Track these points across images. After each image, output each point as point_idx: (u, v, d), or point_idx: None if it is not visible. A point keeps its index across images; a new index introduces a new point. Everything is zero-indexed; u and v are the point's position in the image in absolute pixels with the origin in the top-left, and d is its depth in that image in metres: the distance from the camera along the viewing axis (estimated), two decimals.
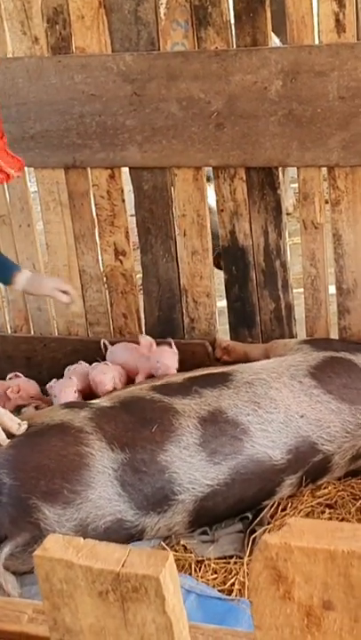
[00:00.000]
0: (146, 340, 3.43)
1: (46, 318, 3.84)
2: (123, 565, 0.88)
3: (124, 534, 2.70)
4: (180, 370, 3.39)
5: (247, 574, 2.63)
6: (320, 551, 0.81)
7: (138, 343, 3.48)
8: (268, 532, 2.81)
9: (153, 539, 2.77)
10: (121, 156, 3.45)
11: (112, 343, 3.62)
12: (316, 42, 3.18)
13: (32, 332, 3.87)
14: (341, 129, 3.17)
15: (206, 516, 2.81)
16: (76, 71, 3.39)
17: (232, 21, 3.24)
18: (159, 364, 3.33)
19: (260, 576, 0.88)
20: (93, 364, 3.51)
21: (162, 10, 3.27)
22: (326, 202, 3.36)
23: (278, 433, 2.86)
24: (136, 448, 2.76)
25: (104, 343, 3.61)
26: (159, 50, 3.31)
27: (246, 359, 3.40)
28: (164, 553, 0.89)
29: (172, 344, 3.42)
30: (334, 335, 3.50)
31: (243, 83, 3.23)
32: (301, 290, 3.51)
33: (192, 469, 2.77)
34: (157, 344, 3.43)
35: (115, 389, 3.32)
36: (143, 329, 3.73)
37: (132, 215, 3.66)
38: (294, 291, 3.56)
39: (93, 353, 3.64)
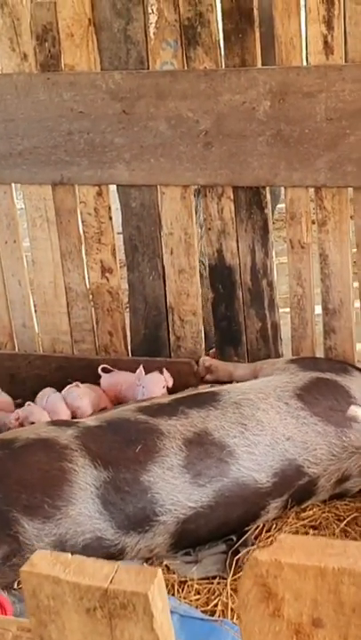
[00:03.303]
0: (140, 370, 3.42)
1: (31, 335, 3.82)
2: (111, 582, 0.87)
3: (102, 553, 2.67)
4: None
5: (230, 595, 2.62)
6: (310, 568, 0.80)
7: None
8: (252, 552, 2.81)
9: (134, 559, 2.75)
10: (109, 174, 3.45)
11: (99, 362, 3.61)
12: (305, 63, 3.20)
13: (16, 349, 3.85)
14: (329, 150, 3.19)
15: (189, 539, 2.78)
16: (65, 89, 3.39)
17: (221, 42, 3.26)
18: (144, 388, 3.32)
19: (250, 593, 0.87)
20: (67, 387, 3.48)
21: (151, 29, 3.28)
22: (313, 222, 3.37)
23: (264, 456, 2.84)
24: (119, 467, 2.74)
25: (102, 368, 3.58)
26: (148, 69, 3.32)
27: (231, 378, 3.40)
28: (153, 569, 0.88)
29: (164, 371, 3.41)
30: (320, 355, 3.50)
31: (231, 102, 3.24)
32: (288, 309, 3.52)
33: (175, 491, 2.74)
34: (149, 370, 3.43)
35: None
36: (129, 347, 3.72)
37: (119, 233, 3.65)
38: (280, 310, 3.56)
39: (78, 370, 3.62)
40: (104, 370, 3.53)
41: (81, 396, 3.39)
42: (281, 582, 0.83)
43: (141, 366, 3.43)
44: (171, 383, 3.41)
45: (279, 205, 5.18)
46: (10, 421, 3.33)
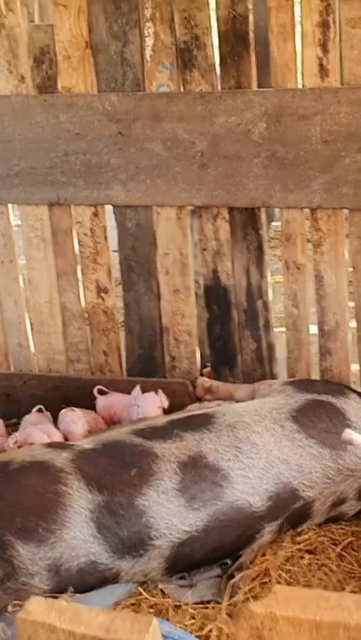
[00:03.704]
0: (137, 389, 3.42)
1: (27, 355, 3.82)
2: (107, 631, 0.86)
3: (97, 577, 2.67)
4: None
5: (225, 620, 2.61)
6: (305, 621, 0.80)
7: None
8: (247, 577, 2.82)
9: (128, 583, 2.74)
10: (105, 194, 3.46)
11: (94, 381, 3.61)
12: (300, 86, 3.21)
13: (12, 369, 3.85)
14: (324, 172, 3.20)
15: (183, 563, 2.77)
16: (62, 110, 3.40)
17: (217, 64, 3.28)
18: (139, 407, 3.32)
19: None
20: (62, 411, 3.47)
21: (148, 52, 3.29)
22: (308, 240, 3.38)
23: (259, 479, 2.84)
24: (114, 491, 2.74)
25: (98, 390, 3.57)
26: (144, 91, 3.33)
27: (231, 399, 3.40)
28: (148, 618, 0.88)
29: (160, 392, 3.41)
30: (316, 376, 3.50)
31: (227, 124, 3.25)
32: (283, 329, 3.52)
33: (170, 514, 2.73)
34: (145, 390, 3.43)
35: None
36: (124, 367, 3.72)
37: (114, 251, 3.66)
38: (275, 329, 3.56)
39: (74, 390, 3.63)
40: (100, 392, 3.53)
41: (74, 420, 3.38)
42: (276, 635, 0.82)
43: (138, 386, 3.42)
44: (166, 405, 3.41)
45: (274, 223, 5.22)
46: (8, 446, 3.32)
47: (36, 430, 3.36)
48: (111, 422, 3.47)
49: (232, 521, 2.80)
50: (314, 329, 3.47)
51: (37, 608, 0.90)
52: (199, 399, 3.54)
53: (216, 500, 2.78)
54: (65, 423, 3.39)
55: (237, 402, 3.37)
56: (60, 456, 2.83)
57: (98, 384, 3.62)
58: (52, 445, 2.97)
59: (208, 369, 3.66)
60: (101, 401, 3.49)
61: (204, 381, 3.57)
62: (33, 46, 3.41)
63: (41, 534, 2.63)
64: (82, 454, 2.85)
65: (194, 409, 3.37)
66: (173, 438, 2.90)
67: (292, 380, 3.41)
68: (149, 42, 3.28)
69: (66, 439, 3.35)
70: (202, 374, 3.63)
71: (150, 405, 3.36)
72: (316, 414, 3.04)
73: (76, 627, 0.87)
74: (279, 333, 3.60)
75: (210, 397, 3.51)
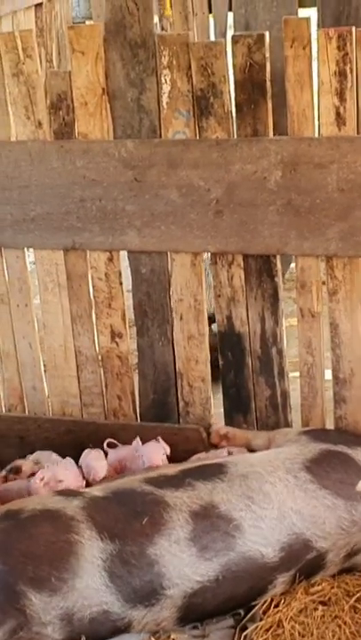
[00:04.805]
0: (136, 441, 3.41)
1: (41, 398, 3.82)
2: None
3: (109, 626, 2.66)
4: (172, 455, 3.38)
5: None
6: None
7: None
8: (260, 628, 2.79)
9: (141, 632, 2.73)
10: (120, 240, 3.46)
11: (107, 426, 3.61)
12: (317, 134, 3.22)
13: (26, 412, 3.85)
14: (340, 220, 3.20)
15: (195, 613, 2.76)
16: (78, 156, 3.42)
17: (233, 111, 3.29)
18: (144, 457, 3.32)
19: None
20: (86, 450, 3.47)
21: (164, 99, 3.30)
22: (323, 282, 3.37)
23: (271, 530, 2.82)
24: (126, 540, 2.74)
25: (108, 443, 3.55)
26: (160, 137, 3.34)
27: (248, 447, 3.38)
28: None
29: (160, 440, 3.40)
30: (330, 424, 3.48)
31: (242, 172, 3.25)
32: (297, 374, 3.51)
33: (182, 564, 2.73)
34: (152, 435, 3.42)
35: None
36: (138, 411, 3.71)
37: (128, 291, 3.66)
38: (290, 375, 3.55)
39: (87, 434, 3.62)
40: (109, 445, 3.51)
41: (98, 458, 3.39)
42: None
43: (137, 437, 3.42)
44: (168, 451, 3.39)
45: (292, 265, 5.21)
46: (35, 482, 3.29)
47: (60, 467, 3.37)
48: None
49: (244, 572, 2.79)
50: (328, 374, 3.46)
51: None
52: (214, 446, 3.52)
53: (228, 551, 2.78)
54: (88, 459, 3.39)
55: (254, 449, 3.36)
56: (72, 504, 2.83)
57: (111, 428, 3.61)
58: (62, 493, 2.96)
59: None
60: (112, 455, 3.48)
61: (220, 428, 3.55)
62: (50, 92, 3.43)
63: (53, 583, 2.63)
64: (93, 502, 2.85)
65: (202, 458, 3.35)
66: (185, 487, 2.90)
67: (307, 429, 3.39)
68: (166, 89, 3.30)
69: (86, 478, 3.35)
70: None
71: (155, 454, 3.35)
72: (331, 465, 3.03)
73: None
74: (293, 378, 3.59)
75: (226, 444, 3.49)
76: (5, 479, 3.51)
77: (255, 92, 3.21)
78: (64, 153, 3.43)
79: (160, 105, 3.32)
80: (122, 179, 3.38)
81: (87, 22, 6.81)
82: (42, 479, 3.29)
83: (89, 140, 3.41)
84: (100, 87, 3.36)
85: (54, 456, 3.55)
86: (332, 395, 3.45)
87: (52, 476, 3.31)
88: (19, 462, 3.56)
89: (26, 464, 3.56)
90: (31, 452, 3.70)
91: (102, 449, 3.48)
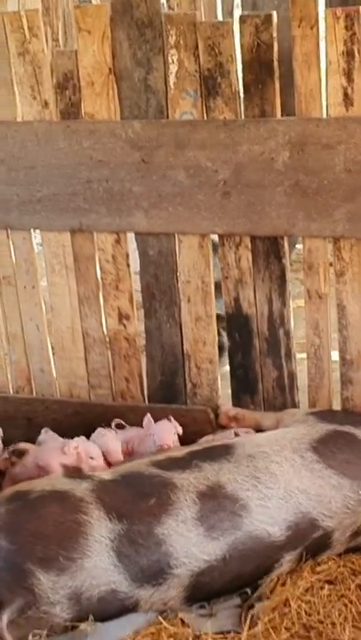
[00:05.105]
0: (148, 419, 3.41)
1: (49, 380, 3.82)
2: None
3: (117, 605, 2.68)
4: (181, 436, 3.40)
5: None
6: None
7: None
8: (267, 607, 2.81)
9: (148, 612, 2.74)
10: (127, 222, 3.46)
11: (115, 408, 3.61)
12: (324, 115, 3.20)
13: (34, 394, 3.85)
14: (347, 201, 3.19)
15: (203, 592, 2.78)
16: (85, 137, 3.41)
17: (241, 92, 3.28)
18: (155, 436, 3.32)
19: None
20: (98, 429, 3.47)
21: (171, 79, 3.29)
22: (330, 264, 3.36)
23: (278, 509, 2.84)
24: (133, 520, 2.75)
25: (117, 425, 3.55)
26: (168, 118, 3.33)
27: (258, 428, 3.39)
28: None
29: (172, 419, 3.41)
30: (337, 405, 3.49)
31: (250, 153, 3.25)
32: (304, 355, 3.51)
33: (189, 543, 2.75)
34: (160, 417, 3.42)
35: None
36: (145, 393, 3.72)
37: (136, 273, 3.66)
38: (297, 356, 3.55)
39: (95, 416, 3.63)
40: (117, 426, 3.52)
41: (113, 439, 3.40)
42: None
43: (148, 415, 3.42)
44: (180, 431, 3.40)
45: (298, 246, 5.20)
46: (69, 448, 3.31)
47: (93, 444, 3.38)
48: (129, 456, 3.46)
49: (251, 550, 2.80)
50: (336, 355, 3.46)
51: None
52: (223, 427, 3.52)
53: (235, 530, 2.79)
54: (103, 441, 3.40)
55: (263, 430, 3.37)
56: (81, 486, 2.85)
57: (119, 410, 3.62)
58: (71, 476, 2.98)
59: None
60: (119, 436, 3.49)
61: (229, 410, 3.55)
62: (56, 72, 3.42)
63: (62, 563, 2.64)
64: (101, 485, 2.87)
65: (210, 440, 3.36)
66: (192, 469, 2.92)
67: (314, 410, 3.40)
68: (173, 69, 3.28)
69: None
70: None
71: (166, 433, 3.35)
72: (337, 445, 3.04)
73: None
74: (301, 359, 3.59)
75: (235, 426, 3.50)
76: (10, 462, 3.51)
77: (263, 73, 3.20)
78: (70, 133, 3.42)
79: (167, 85, 3.31)
80: (129, 159, 3.38)
81: (94, 1, 6.77)
82: (76, 447, 3.32)
83: (96, 121, 3.40)
84: (106, 67, 3.35)
85: (60, 440, 3.55)
86: (339, 376, 3.46)
87: (85, 450, 3.33)
88: (22, 445, 3.55)
89: (30, 447, 3.55)
90: (39, 434, 3.70)
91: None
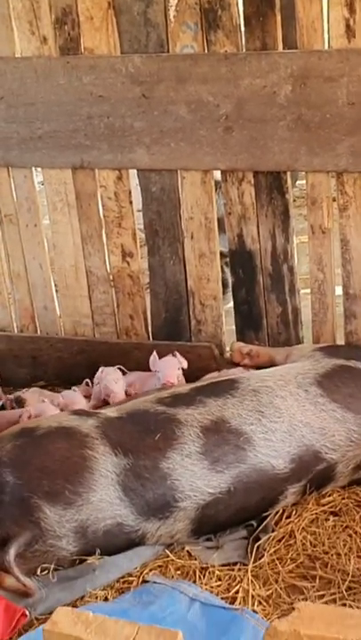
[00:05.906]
0: (153, 356, 3.41)
1: (53, 318, 3.84)
2: None
3: (123, 539, 2.73)
4: (185, 372, 3.41)
5: (251, 582, 2.65)
6: (329, 639, 0.81)
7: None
8: (272, 538, 2.86)
9: (155, 545, 2.79)
10: (129, 158, 3.44)
11: (120, 345, 3.63)
12: (326, 47, 3.16)
13: (38, 332, 3.87)
14: (350, 135, 3.16)
15: (208, 524, 2.82)
16: (85, 72, 3.37)
17: (242, 25, 3.22)
18: (160, 373, 3.34)
19: None
20: (102, 368, 3.47)
21: (171, 12, 3.24)
22: (334, 199, 3.34)
23: (282, 442, 2.87)
24: (139, 454, 2.78)
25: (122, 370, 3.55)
26: (168, 52, 3.29)
27: (272, 364, 3.39)
28: (174, 632, 0.89)
29: (177, 354, 3.42)
30: (340, 339, 3.50)
31: (252, 87, 3.21)
32: (308, 290, 3.51)
33: (194, 477, 2.78)
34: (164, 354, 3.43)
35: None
36: (150, 330, 3.73)
37: (138, 210, 3.64)
38: (301, 291, 3.55)
39: (100, 354, 3.65)
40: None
41: (116, 379, 3.41)
42: None
43: (154, 352, 3.42)
44: (185, 365, 3.41)
45: (299, 182, 5.16)
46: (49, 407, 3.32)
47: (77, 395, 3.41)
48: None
49: (255, 483, 2.84)
50: (339, 290, 3.46)
51: (64, 619, 0.92)
52: (236, 364, 3.53)
53: (239, 463, 2.82)
54: (107, 381, 3.40)
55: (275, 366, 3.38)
56: (87, 423, 2.87)
57: (123, 348, 3.64)
58: (78, 413, 3.00)
59: None
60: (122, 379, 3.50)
61: (242, 347, 3.56)
62: (55, 7, 3.36)
63: (68, 497, 2.68)
64: (107, 421, 2.90)
65: (214, 377, 3.38)
66: (196, 404, 2.93)
67: (322, 345, 3.41)
68: (173, 2, 3.23)
69: (106, 401, 3.38)
70: None
71: (171, 368, 3.36)
72: (342, 379, 3.05)
73: (102, 638, 0.89)
74: (305, 295, 3.59)
75: (249, 362, 3.50)
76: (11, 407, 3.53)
77: (264, 5, 3.15)
78: (70, 69, 3.38)
79: (167, 18, 3.25)
80: (130, 95, 3.34)
81: None
82: (58, 405, 3.34)
83: (95, 56, 3.35)
84: (105, 1, 3.30)
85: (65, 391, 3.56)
86: (342, 310, 3.46)
87: (65, 405, 3.35)
88: (23, 395, 3.56)
89: (30, 396, 3.56)
90: (44, 372, 3.74)
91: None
